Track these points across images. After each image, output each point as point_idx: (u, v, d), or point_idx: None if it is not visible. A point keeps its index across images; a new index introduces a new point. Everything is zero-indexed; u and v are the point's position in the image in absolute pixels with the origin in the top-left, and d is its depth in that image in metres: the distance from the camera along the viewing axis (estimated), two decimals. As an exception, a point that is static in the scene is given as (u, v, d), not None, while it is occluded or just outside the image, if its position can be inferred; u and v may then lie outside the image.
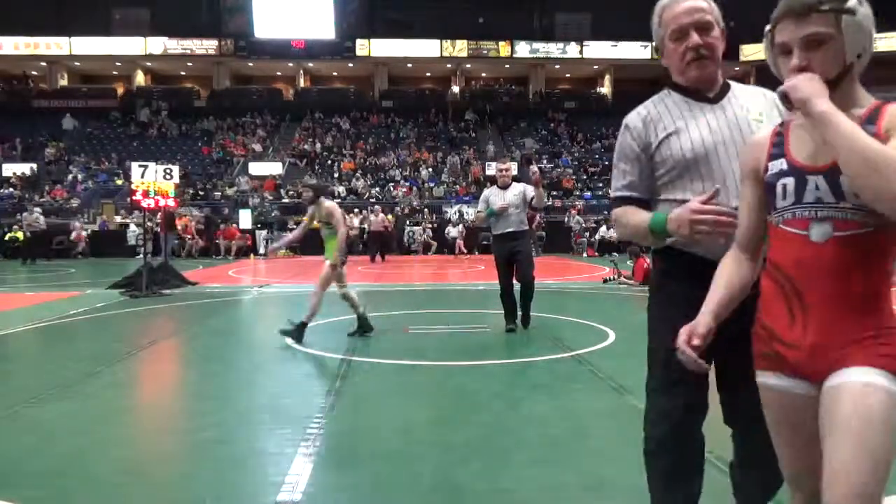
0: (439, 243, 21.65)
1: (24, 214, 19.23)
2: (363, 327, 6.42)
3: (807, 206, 1.42)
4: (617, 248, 18.02)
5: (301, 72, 36.59)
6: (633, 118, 1.97)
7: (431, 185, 26.90)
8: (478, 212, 6.95)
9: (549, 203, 22.39)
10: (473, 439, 3.47)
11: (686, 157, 1.87)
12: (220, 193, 25.60)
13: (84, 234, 21.03)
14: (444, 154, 29.62)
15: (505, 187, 6.68)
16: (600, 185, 26.78)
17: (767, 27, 1.50)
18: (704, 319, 1.56)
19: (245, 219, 21.55)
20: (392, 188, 26.39)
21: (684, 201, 1.79)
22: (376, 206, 20.22)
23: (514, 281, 6.69)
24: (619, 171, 1.99)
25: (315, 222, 6.52)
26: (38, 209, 19.75)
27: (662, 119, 1.92)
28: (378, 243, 18.89)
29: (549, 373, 5.00)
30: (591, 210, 24.27)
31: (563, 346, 5.88)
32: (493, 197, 6.66)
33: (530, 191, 6.62)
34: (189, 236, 20.73)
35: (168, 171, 10.83)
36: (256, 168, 27.64)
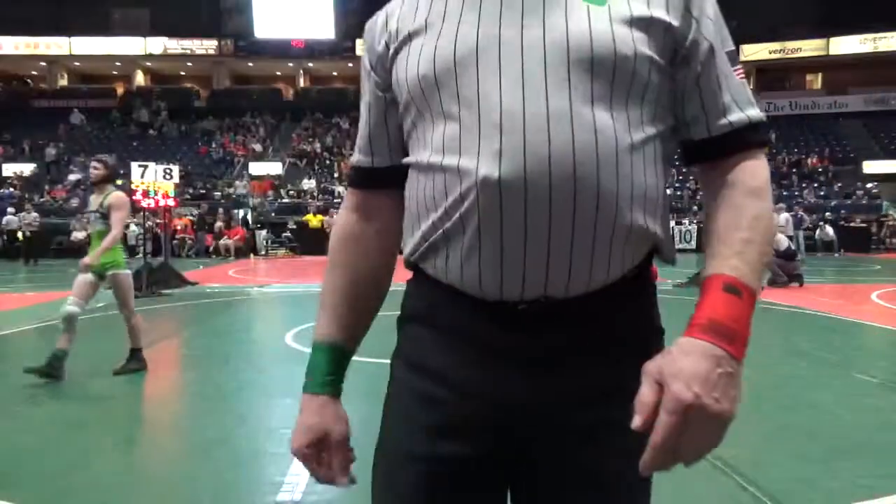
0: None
1: (22, 214, 19.24)
2: (51, 367, 4.64)
3: None
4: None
5: (301, 72, 36.59)
6: (373, 18, 1.03)
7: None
8: None
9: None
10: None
11: (420, 78, 0.90)
12: (220, 193, 25.61)
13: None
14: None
15: None
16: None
17: None
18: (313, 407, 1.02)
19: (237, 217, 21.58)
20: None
21: (429, 167, 0.89)
22: None
23: None
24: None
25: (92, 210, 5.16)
26: (11, 209, 19.76)
27: (413, 11, 0.95)
28: None
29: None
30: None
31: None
32: None
33: None
34: (190, 236, 20.75)
35: (168, 171, 10.83)
36: (256, 168, 27.65)
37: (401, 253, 1.01)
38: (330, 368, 1.00)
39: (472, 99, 0.85)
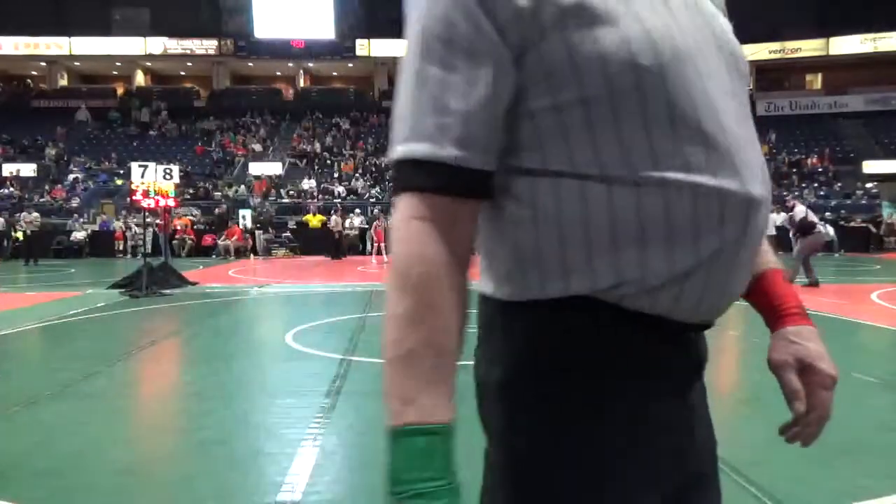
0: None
1: (23, 214, 19.25)
2: None
3: None
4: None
5: (301, 72, 36.60)
6: None
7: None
8: None
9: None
10: (473, 439, 3.45)
11: (637, 68, 0.72)
12: (220, 193, 25.62)
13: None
14: (444, 154, 29.62)
15: None
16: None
17: None
18: None
19: (245, 219, 21.59)
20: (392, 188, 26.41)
21: (658, 183, 0.73)
22: None
23: None
24: (426, 91, 0.74)
25: None
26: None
27: None
28: None
29: (549, 373, 4.97)
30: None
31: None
32: None
33: None
34: (190, 236, 20.75)
35: (168, 171, 10.83)
36: (256, 168, 27.65)
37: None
38: (452, 462, 0.71)
39: (709, 106, 0.74)
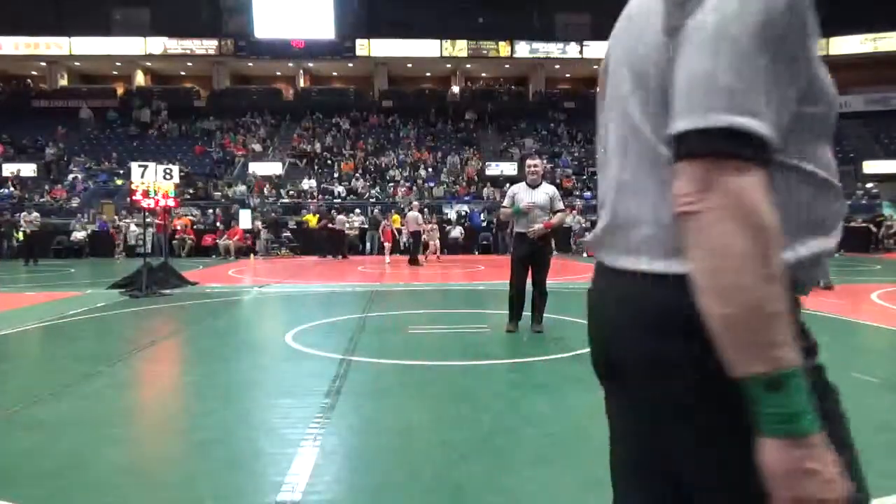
0: (441, 244, 21.56)
1: (23, 214, 19.26)
2: None
3: None
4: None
5: (301, 72, 36.59)
6: None
7: (430, 185, 26.89)
8: (503, 206, 6.72)
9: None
10: (473, 439, 3.46)
11: (831, 99, 1.00)
12: (220, 193, 25.61)
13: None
14: (444, 154, 29.63)
15: (534, 186, 6.41)
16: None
17: None
18: None
19: (245, 219, 21.57)
20: (392, 188, 26.40)
21: (823, 183, 0.97)
22: (414, 203, 19.79)
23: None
24: (759, 76, 0.86)
25: None
26: None
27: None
28: (418, 243, 17.76)
29: (549, 373, 4.99)
30: (590, 210, 24.26)
31: (563, 345, 5.88)
32: (521, 194, 6.40)
33: (558, 199, 6.45)
34: (190, 236, 20.75)
35: (168, 171, 10.83)
36: (256, 168, 27.64)
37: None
38: None
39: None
